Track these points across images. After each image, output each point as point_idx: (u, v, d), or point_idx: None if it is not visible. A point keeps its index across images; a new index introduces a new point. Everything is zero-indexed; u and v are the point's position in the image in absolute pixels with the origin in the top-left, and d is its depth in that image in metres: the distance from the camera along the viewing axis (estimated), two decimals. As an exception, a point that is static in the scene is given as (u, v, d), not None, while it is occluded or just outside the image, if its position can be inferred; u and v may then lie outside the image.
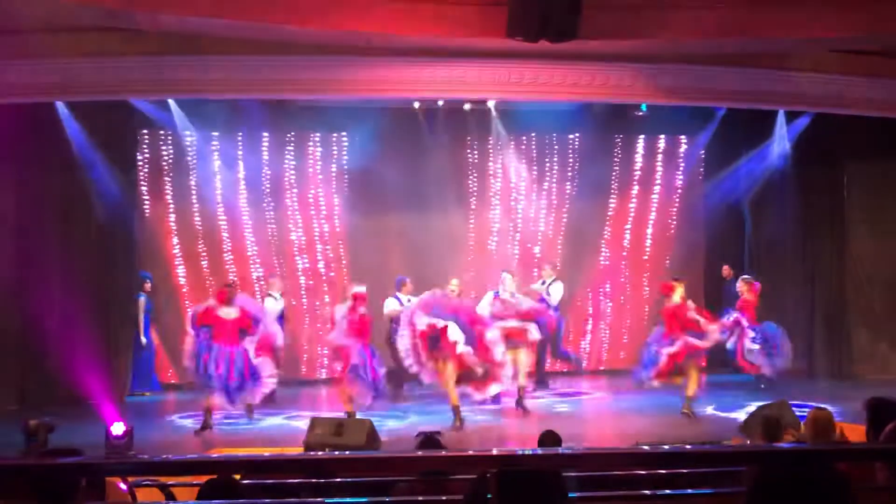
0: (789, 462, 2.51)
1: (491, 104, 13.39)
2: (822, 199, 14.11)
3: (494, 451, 2.95)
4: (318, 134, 14.16)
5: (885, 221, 14.08)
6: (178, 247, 13.91)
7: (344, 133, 14.07)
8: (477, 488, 2.93)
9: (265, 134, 13.95)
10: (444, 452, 3.79)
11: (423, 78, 10.80)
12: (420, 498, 4.45)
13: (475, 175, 14.64)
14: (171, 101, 12.59)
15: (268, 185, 14.04)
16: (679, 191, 15.04)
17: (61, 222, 12.41)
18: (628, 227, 14.96)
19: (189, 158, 13.80)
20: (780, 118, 13.56)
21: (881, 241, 14.07)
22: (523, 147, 14.73)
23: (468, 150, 14.53)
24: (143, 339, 13.12)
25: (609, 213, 14.92)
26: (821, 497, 2.41)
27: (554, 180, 14.80)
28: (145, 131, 13.56)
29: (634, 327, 14.60)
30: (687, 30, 9.94)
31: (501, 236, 14.65)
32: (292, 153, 14.18)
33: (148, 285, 13.31)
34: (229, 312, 10.46)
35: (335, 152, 14.22)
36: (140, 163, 13.67)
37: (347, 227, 14.24)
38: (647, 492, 4.50)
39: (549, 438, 6.38)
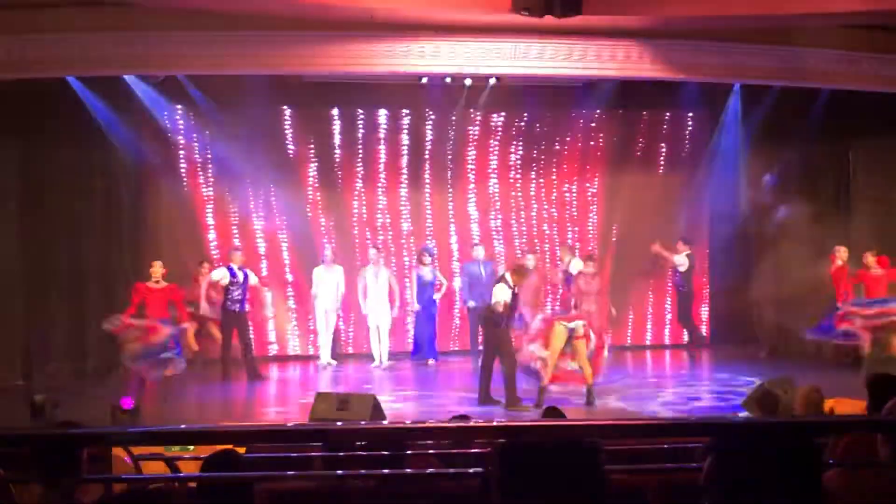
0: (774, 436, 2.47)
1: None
2: (827, 177, 14.03)
3: (496, 423, 2.85)
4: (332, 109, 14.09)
5: (891, 200, 13.95)
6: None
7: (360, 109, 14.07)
8: None
9: (285, 108, 13.91)
10: (432, 423, 3.67)
11: (427, 53, 10.73)
12: (428, 471, 4.42)
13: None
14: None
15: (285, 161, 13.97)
16: (682, 166, 14.95)
17: (67, 199, 12.39)
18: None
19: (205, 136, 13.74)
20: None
21: (886, 221, 13.94)
22: (522, 123, 14.65)
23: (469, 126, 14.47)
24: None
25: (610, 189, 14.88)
26: (789, 468, 2.38)
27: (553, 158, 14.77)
28: (179, 107, 13.50)
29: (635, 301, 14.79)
30: (692, 4, 9.86)
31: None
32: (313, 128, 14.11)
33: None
34: None
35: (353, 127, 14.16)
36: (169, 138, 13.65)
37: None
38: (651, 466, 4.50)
39: (552, 415, 6.20)
